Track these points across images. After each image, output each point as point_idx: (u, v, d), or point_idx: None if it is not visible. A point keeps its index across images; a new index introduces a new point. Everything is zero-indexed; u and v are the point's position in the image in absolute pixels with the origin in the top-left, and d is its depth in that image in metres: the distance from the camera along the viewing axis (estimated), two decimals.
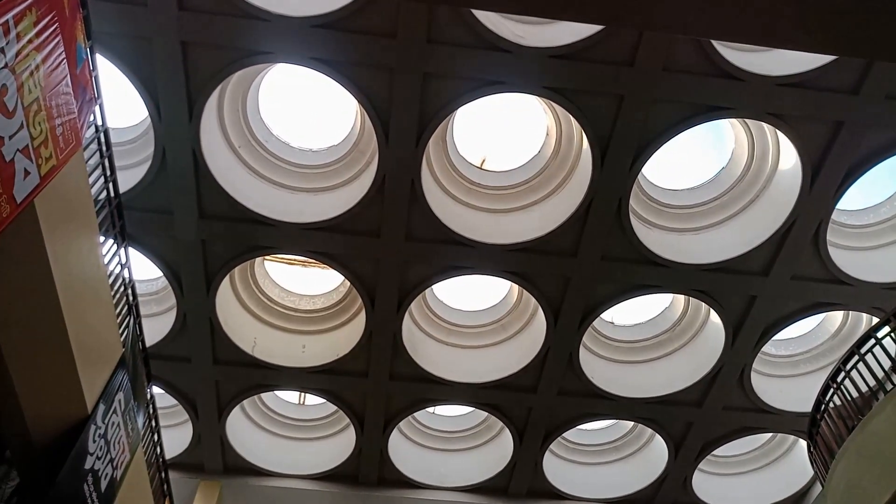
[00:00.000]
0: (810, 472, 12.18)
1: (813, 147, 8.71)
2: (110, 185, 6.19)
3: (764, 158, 9.67)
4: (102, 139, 5.94)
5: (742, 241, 9.63)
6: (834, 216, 9.47)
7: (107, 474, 5.91)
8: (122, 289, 6.64)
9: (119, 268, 6.56)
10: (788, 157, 9.17)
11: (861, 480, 6.49)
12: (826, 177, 8.89)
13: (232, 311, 10.65)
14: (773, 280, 9.82)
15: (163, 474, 8.82)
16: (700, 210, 10.14)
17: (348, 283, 10.46)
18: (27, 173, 3.93)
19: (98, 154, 5.89)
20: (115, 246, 6.43)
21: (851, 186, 9.10)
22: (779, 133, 8.84)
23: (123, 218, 6.49)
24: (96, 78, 5.25)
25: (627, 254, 9.62)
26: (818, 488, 11.88)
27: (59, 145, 4.36)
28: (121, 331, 6.48)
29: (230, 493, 12.05)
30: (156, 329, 10.31)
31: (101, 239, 5.94)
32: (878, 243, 10.25)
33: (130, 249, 7.09)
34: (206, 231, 9.34)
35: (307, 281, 12.05)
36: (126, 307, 6.79)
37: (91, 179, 5.59)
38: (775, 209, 9.44)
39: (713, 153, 10.48)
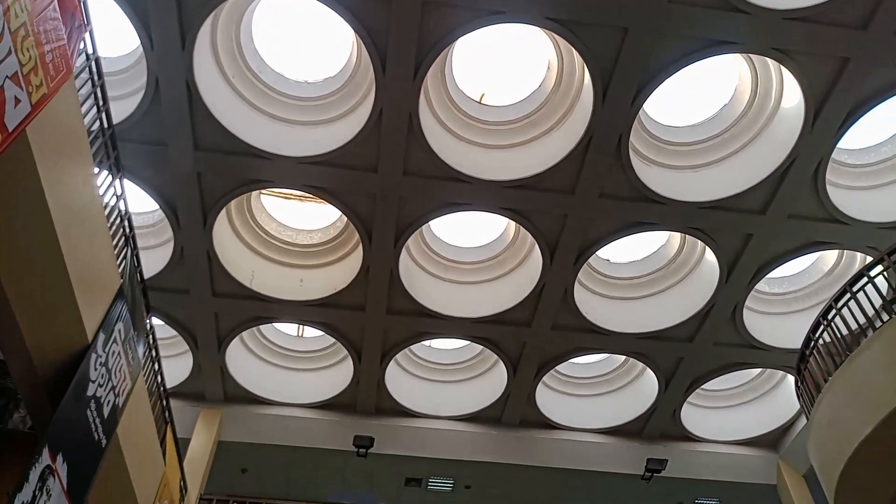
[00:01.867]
0: (796, 407, 12.53)
1: (817, 84, 8.57)
2: (103, 115, 6.08)
3: (767, 95, 9.53)
4: (94, 68, 5.80)
5: (741, 179, 9.60)
6: (834, 155, 9.41)
7: (109, 401, 6.04)
8: (118, 220, 6.62)
9: (115, 199, 6.52)
10: (792, 95, 9.04)
11: (845, 414, 6.68)
12: (828, 115, 8.79)
13: (229, 245, 10.68)
14: (769, 218, 9.84)
15: (164, 402, 9.02)
16: (700, 147, 10.06)
17: (345, 218, 10.46)
18: (17, 101, 3.86)
19: (90, 83, 5.77)
20: (110, 177, 6.38)
21: (853, 125, 9.02)
22: (783, 69, 8.69)
23: (117, 149, 6.42)
24: (85, 4, 5.10)
25: (625, 191, 9.60)
26: (803, 421, 12.24)
27: (49, 73, 4.26)
28: (118, 262, 6.50)
29: (231, 421, 12.39)
30: (154, 261, 10.36)
31: (96, 170, 5.89)
32: (877, 183, 10.24)
33: (126, 181, 7.04)
34: (202, 163, 9.26)
35: (304, 215, 12.06)
36: (123, 239, 6.79)
37: (83, 109, 5.50)
38: (775, 147, 9.37)
39: (716, 90, 10.31)
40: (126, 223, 6.84)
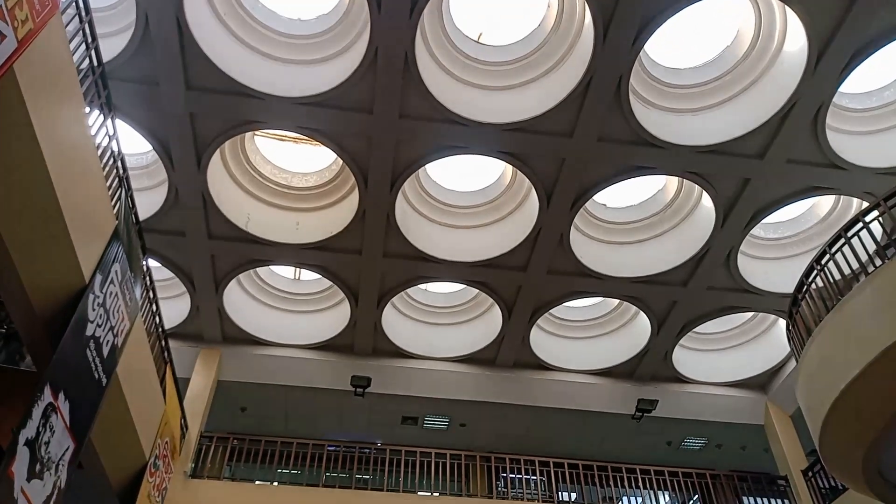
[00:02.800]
0: (786, 350, 12.75)
1: (821, 25, 8.39)
2: (92, 52, 5.94)
3: (769, 37, 9.34)
4: (81, 3, 5.64)
5: (740, 122, 9.50)
6: (835, 99, 9.29)
7: (108, 341, 6.11)
8: (111, 161, 6.55)
9: (107, 139, 6.44)
10: (795, 36, 8.85)
11: (834, 357, 6.80)
12: (831, 58, 8.64)
13: (224, 187, 10.61)
14: (768, 163, 9.79)
15: (163, 342, 9.14)
16: (700, 90, 9.91)
17: (341, 161, 10.37)
18: (3, 37, 3.77)
19: (77, 19, 5.61)
20: (102, 117, 6.28)
21: (856, 68, 8.87)
22: (787, 9, 8.48)
23: (108, 87, 6.29)
24: None
25: (624, 135, 9.51)
26: (792, 364, 12.48)
27: (34, 7, 4.15)
28: (113, 203, 6.47)
29: (230, 361, 12.57)
30: (149, 203, 10.31)
31: (87, 109, 5.79)
32: (878, 128, 10.14)
33: (118, 121, 6.93)
34: (194, 103, 9.10)
35: (299, 158, 11.93)
36: (117, 180, 6.74)
37: (72, 46, 5.37)
38: (777, 91, 9.24)
39: (718, 31, 10.09)
40: (119, 164, 6.77)
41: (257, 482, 11.16)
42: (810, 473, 12.13)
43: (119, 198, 6.73)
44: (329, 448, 12.04)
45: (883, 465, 7.43)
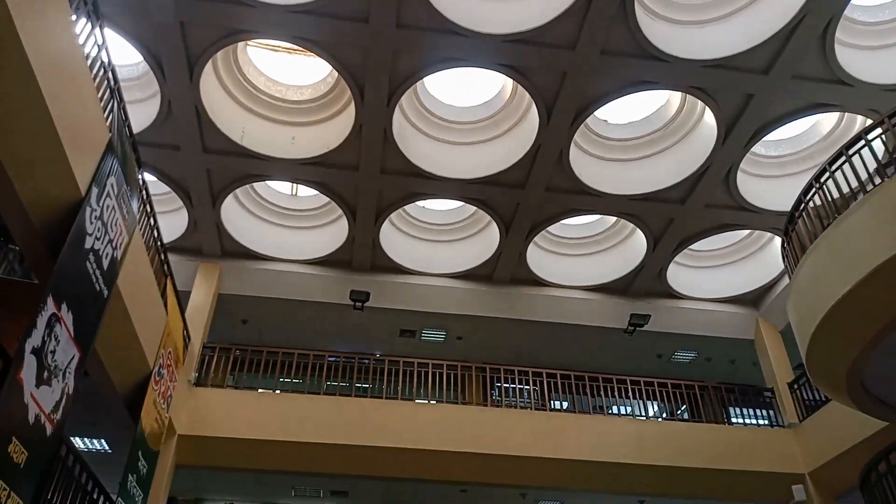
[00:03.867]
0: (780, 267, 12.91)
1: None
2: None
3: None
4: None
5: (747, 36, 9.21)
6: (846, 12, 8.98)
7: (107, 254, 6.15)
8: (101, 72, 6.39)
9: (96, 49, 6.26)
10: None
11: (826, 273, 6.90)
12: None
13: (217, 99, 10.41)
14: (772, 78, 9.58)
15: (162, 256, 9.20)
16: (707, 2, 9.56)
17: (336, 74, 10.12)
18: None
19: None
20: (90, 25, 6.07)
21: None
22: None
23: None
24: None
25: (628, 47, 9.24)
26: (785, 281, 12.66)
27: None
28: (105, 115, 6.35)
29: (229, 275, 12.72)
30: (141, 116, 10.13)
31: (74, 17, 5.59)
32: (887, 42, 9.86)
33: (107, 31, 6.71)
34: (185, 11, 8.78)
35: (294, 70, 11.62)
36: (108, 91, 6.59)
37: None
38: (786, 2, 8.92)
39: None
40: (110, 75, 6.60)
41: (260, 390, 11.51)
42: (796, 386, 12.54)
43: (111, 110, 6.60)
44: (329, 359, 12.38)
45: (865, 378, 7.69)
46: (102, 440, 12.44)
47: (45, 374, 5.10)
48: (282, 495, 14.98)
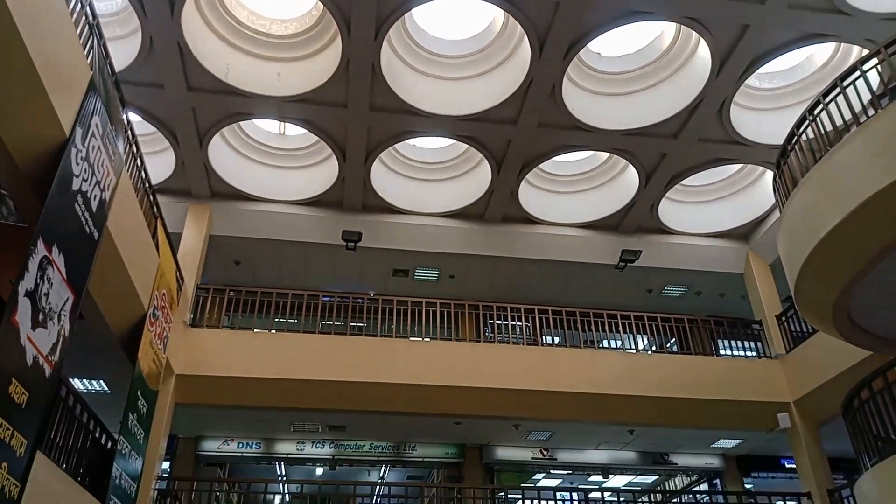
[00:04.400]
0: (771, 201, 12.94)
1: None
2: None
3: None
4: None
5: None
6: None
7: (95, 195, 6.09)
8: (79, 6, 6.17)
9: None
10: None
11: (817, 206, 6.93)
12: None
13: (200, 35, 10.10)
14: (768, 7, 9.35)
15: (151, 197, 9.13)
16: None
17: (322, 6, 9.81)
18: None
19: None
20: None
21: None
22: None
23: None
24: None
25: None
26: (776, 215, 12.72)
27: None
28: (86, 53, 6.18)
29: (220, 216, 12.65)
30: (123, 53, 9.85)
31: None
32: None
33: None
34: None
35: (278, 2, 11.25)
36: (87, 27, 6.38)
37: None
38: None
39: None
40: (88, 10, 6.38)
41: (255, 330, 11.62)
42: (783, 318, 12.77)
43: (91, 47, 6.41)
44: (323, 298, 12.46)
45: (851, 309, 7.82)
46: (101, 381, 12.63)
47: (41, 316, 5.12)
48: (281, 431, 15.37)
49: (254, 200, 12.82)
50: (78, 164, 5.65)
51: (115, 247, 7.23)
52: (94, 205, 6.05)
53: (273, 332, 11.62)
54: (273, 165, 12.95)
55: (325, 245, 13.11)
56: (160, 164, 12.00)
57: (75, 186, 5.62)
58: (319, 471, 16.79)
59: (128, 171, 7.65)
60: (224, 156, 12.30)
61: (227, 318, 12.13)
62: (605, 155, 13.04)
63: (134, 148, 8.08)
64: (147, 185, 8.92)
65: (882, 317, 8.03)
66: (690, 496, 15.57)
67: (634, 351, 12.73)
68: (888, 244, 6.39)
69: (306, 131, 11.64)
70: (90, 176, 5.93)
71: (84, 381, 12.84)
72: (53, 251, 5.25)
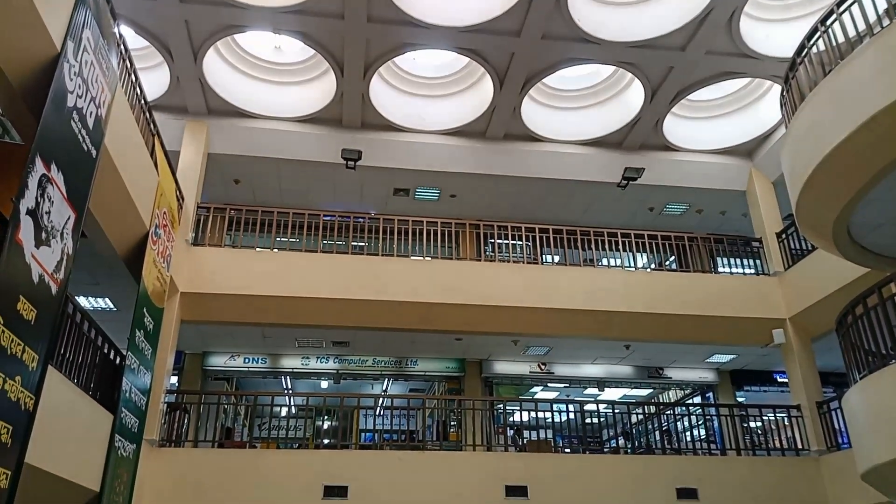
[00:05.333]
0: (777, 117, 12.74)
1: None
2: None
3: None
4: None
5: None
6: None
7: (91, 112, 5.98)
8: None
9: None
10: None
11: (824, 121, 6.81)
12: None
13: None
14: None
15: (147, 115, 8.98)
16: None
17: None
18: None
19: None
20: None
21: None
22: None
23: None
24: None
25: None
26: (781, 132, 12.54)
27: None
28: None
29: (218, 134, 12.47)
30: None
31: None
32: None
33: None
34: None
35: None
36: None
37: None
38: None
39: None
40: None
41: (257, 249, 11.69)
42: (784, 236, 12.82)
43: None
44: (325, 218, 12.47)
45: (851, 226, 7.84)
46: (107, 299, 12.82)
47: (43, 234, 5.13)
48: (286, 347, 15.73)
49: (251, 118, 12.61)
50: (71, 79, 5.52)
51: (114, 165, 7.17)
52: (90, 122, 5.95)
53: (275, 250, 11.68)
54: (270, 81, 12.65)
55: (325, 164, 12.99)
56: (155, 79, 11.72)
57: (70, 103, 5.52)
58: (324, 384, 17.29)
59: (122, 87, 7.49)
60: (220, 71, 12.01)
61: (229, 238, 12.17)
62: (611, 69, 12.71)
63: (128, 63, 7.88)
64: (143, 101, 8.75)
65: (882, 234, 8.05)
66: (683, 408, 16.10)
67: (633, 269, 12.84)
68: (894, 160, 6.32)
69: (303, 45, 11.31)
70: (85, 92, 5.80)
71: (90, 298, 13.03)
72: (52, 169, 5.21)
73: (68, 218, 5.60)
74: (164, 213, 9.42)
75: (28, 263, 4.90)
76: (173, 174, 10.24)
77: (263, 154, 12.73)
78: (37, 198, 4.96)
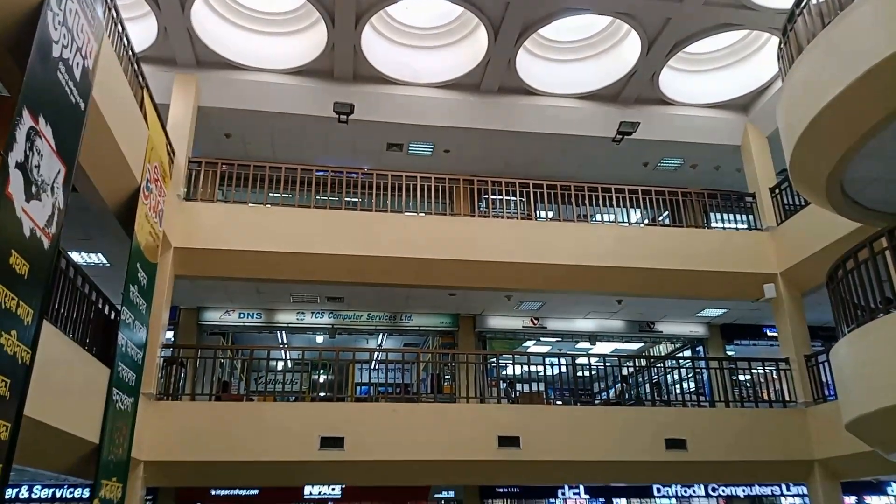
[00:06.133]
0: (773, 72, 12.61)
1: None
2: None
3: None
4: None
5: None
6: None
7: (78, 63, 5.86)
8: None
9: None
10: None
11: (821, 74, 6.74)
12: None
13: None
14: None
15: (135, 66, 8.81)
16: None
17: None
18: None
19: None
20: None
21: None
22: None
23: None
24: None
25: None
26: (777, 86, 12.44)
27: None
28: None
29: (207, 86, 12.26)
30: None
31: None
32: None
33: None
34: None
35: None
36: None
37: None
38: None
39: None
40: None
41: (250, 204, 11.62)
42: (777, 191, 12.83)
43: None
44: (317, 173, 12.37)
45: (846, 182, 7.84)
46: (100, 254, 12.79)
47: (34, 188, 5.09)
48: (281, 302, 15.80)
49: (241, 69, 12.38)
50: (56, 28, 5.38)
51: (103, 117, 7.06)
52: (76, 73, 5.84)
53: (267, 206, 11.62)
54: (259, 31, 12.38)
55: (317, 117, 12.81)
56: (142, 30, 11.46)
57: (55, 53, 5.40)
58: (320, 339, 17.43)
59: (109, 37, 7.32)
60: (208, 21, 11.75)
61: (221, 193, 12.09)
62: (607, 20, 12.49)
63: (113, 13, 7.68)
64: (130, 52, 8.57)
65: (875, 189, 8.07)
66: (672, 362, 16.35)
67: (627, 224, 12.85)
68: (890, 113, 6.28)
69: None
70: (70, 42, 5.67)
71: (83, 253, 12.99)
72: (40, 121, 5.13)
73: (58, 172, 5.54)
74: (156, 167, 9.33)
75: (19, 217, 4.86)
76: (163, 128, 10.10)
77: (254, 107, 12.55)
78: (25, 151, 4.90)
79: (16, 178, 4.78)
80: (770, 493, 16.82)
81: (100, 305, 7.96)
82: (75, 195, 6.64)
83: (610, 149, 13.91)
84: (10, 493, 13.94)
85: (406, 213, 12.31)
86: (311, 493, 15.49)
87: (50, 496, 14.73)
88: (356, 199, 12.49)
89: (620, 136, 13.45)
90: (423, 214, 12.38)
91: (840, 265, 7.67)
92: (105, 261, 13.22)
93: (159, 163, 9.57)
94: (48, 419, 6.10)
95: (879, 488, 17.10)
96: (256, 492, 15.03)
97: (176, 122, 11.51)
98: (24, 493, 14.50)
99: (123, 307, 8.21)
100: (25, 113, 4.89)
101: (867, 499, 17.92)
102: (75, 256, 12.93)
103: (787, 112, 7.62)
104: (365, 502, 15.25)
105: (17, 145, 4.77)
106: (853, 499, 17.37)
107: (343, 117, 12.59)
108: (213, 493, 14.74)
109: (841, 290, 7.76)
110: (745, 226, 13.44)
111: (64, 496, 14.74)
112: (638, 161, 14.61)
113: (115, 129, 7.41)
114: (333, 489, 15.25)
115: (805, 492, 12.62)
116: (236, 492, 15.08)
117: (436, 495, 15.60)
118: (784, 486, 16.47)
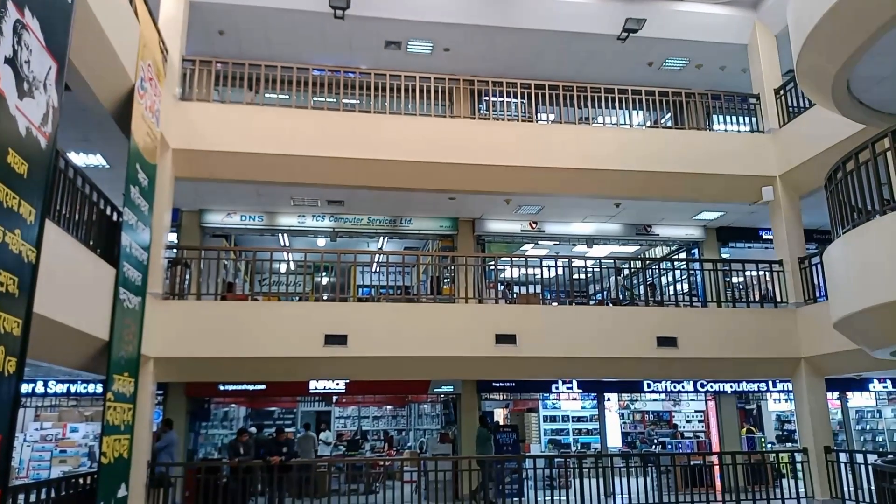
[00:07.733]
0: None
1: None
2: None
3: None
4: None
5: None
6: None
7: None
8: None
9: None
10: None
11: None
12: None
13: None
14: None
15: None
16: None
17: None
18: None
19: None
20: None
21: None
22: None
23: None
24: None
25: None
26: None
27: None
28: None
29: None
30: None
31: None
32: None
33: None
34: None
35: None
36: None
37: None
38: None
39: None
40: None
41: (246, 104, 11.44)
42: (782, 92, 12.59)
43: None
44: (314, 72, 12.09)
45: (852, 81, 7.71)
46: (99, 155, 12.70)
47: (25, 85, 5.01)
48: (281, 205, 15.82)
49: None
50: None
51: (92, 12, 6.85)
52: None
53: (264, 106, 11.43)
54: None
55: (312, 13, 12.37)
56: None
57: None
58: (321, 242, 17.58)
59: None
60: None
61: (217, 93, 11.86)
62: None
63: None
64: None
65: (882, 89, 7.94)
66: (668, 263, 16.57)
67: (629, 127, 12.69)
68: None
69: None
70: None
71: (81, 154, 12.90)
72: (26, 14, 4.98)
73: (49, 68, 5.43)
74: (149, 65, 9.12)
75: (13, 115, 4.81)
76: (155, 24, 9.80)
77: (247, 2, 12.10)
78: (13, 45, 4.79)
79: (6, 73, 4.70)
80: (756, 389, 17.52)
81: (101, 206, 8.00)
82: (70, 94, 6.54)
83: (614, 48, 13.52)
84: (25, 387, 14.54)
85: (405, 115, 12.12)
86: (316, 388, 16.14)
87: (65, 391, 15.37)
88: (354, 101, 12.26)
89: (626, 34, 13.04)
90: (423, 116, 12.20)
91: (840, 166, 7.65)
92: (105, 162, 13.14)
93: (153, 60, 9.35)
94: (57, 316, 6.28)
95: (862, 384, 17.80)
96: (263, 387, 15.65)
97: (168, 18, 11.12)
98: (39, 388, 15.11)
99: (125, 208, 8.26)
100: (10, 4, 4.74)
101: (849, 395, 18.70)
102: (74, 157, 12.85)
103: (797, 8, 7.38)
104: (368, 395, 15.89)
105: (4, 39, 4.66)
106: (836, 394, 18.12)
107: (339, 12, 12.16)
108: (221, 387, 15.35)
109: (839, 192, 7.78)
110: (748, 129, 13.28)
111: (78, 391, 15.38)
112: (642, 61, 14.23)
113: (104, 23, 7.19)
114: (338, 384, 15.88)
115: (790, 388, 13.12)
116: (244, 387, 15.70)
117: (435, 389, 16.25)
118: (770, 383, 17.14)
